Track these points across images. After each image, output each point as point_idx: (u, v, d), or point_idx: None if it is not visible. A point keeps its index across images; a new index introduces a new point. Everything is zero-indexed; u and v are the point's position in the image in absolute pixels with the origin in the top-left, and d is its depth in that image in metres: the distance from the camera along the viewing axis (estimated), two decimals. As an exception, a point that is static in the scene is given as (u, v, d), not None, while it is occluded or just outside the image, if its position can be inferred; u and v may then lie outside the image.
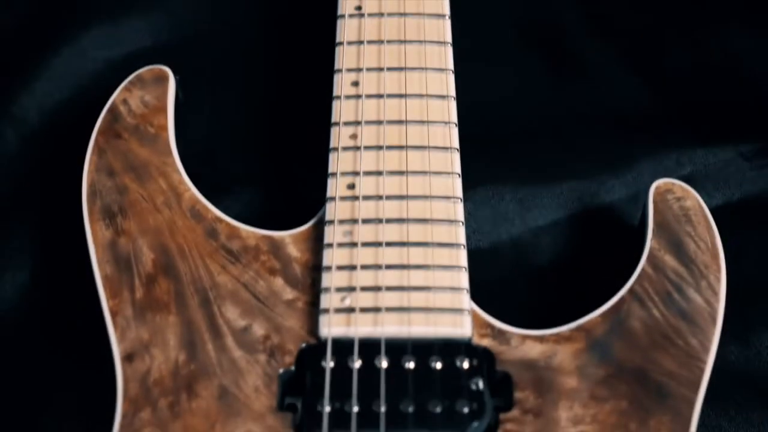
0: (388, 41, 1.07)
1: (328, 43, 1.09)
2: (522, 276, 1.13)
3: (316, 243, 0.99)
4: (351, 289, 0.95)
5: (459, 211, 0.99)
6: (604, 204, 1.17)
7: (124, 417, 0.90)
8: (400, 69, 1.07)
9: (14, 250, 1.13)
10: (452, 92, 1.06)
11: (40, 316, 1.09)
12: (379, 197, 0.99)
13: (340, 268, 0.96)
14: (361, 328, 0.93)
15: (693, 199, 1.01)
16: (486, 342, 0.94)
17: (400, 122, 1.04)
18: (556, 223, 1.16)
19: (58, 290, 1.10)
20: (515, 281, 1.12)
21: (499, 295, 1.06)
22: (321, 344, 0.93)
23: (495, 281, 1.11)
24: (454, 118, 1.04)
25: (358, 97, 1.05)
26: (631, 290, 0.97)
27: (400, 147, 1.02)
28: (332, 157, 1.02)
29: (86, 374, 1.04)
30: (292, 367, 0.93)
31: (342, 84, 1.06)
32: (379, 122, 1.04)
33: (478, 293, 0.97)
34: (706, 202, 1.01)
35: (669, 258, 0.98)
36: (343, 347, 0.92)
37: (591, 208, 1.17)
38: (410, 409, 0.89)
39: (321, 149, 1.04)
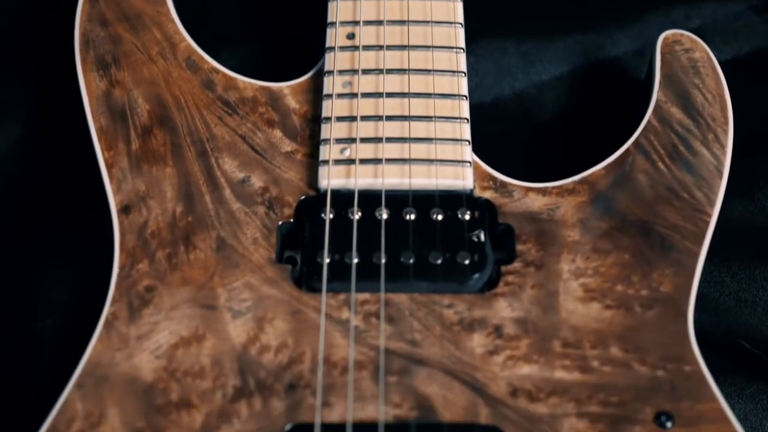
0: None
1: None
2: (525, 131, 1.11)
3: (315, 94, 0.97)
4: (351, 140, 0.93)
5: (461, 61, 0.97)
6: (609, 57, 1.14)
7: (121, 269, 0.89)
8: None
9: (6, 103, 1.11)
10: (455, -60, 1.02)
11: (34, 170, 1.07)
12: (380, 47, 0.97)
13: (339, 119, 0.94)
14: (361, 179, 0.92)
15: (701, 50, 0.99)
16: (488, 194, 0.93)
17: (401, -30, 1.01)
18: (560, 77, 1.13)
19: (53, 143, 1.08)
20: (518, 136, 1.10)
21: (502, 149, 1.05)
22: (320, 196, 0.92)
23: (498, 136, 1.09)
24: (457, -34, 1.01)
25: (357, -56, 1.02)
26: (636, 143, 0.95)
27: (402, -5, 1.00)
28: (331, 6, 1.00)
29: (82, 228, 1.02)
30: (291, 219, 0.92)
31: (341, -70, 1.03)
32: (379, -30, 1.01)
33: (480, 148, 0.95)
34: (715, 56, 0.99)
35: (675, 110, 0.96)
36: (342, 199, 0.91)
37: (596, 61, 1.14)
38: (411, 261, 0.88)
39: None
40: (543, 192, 0.93)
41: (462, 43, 0.97)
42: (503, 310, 0.87)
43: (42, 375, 0.95)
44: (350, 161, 0.92)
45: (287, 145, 0.95)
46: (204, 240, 0.90)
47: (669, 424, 0.82)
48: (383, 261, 0.88)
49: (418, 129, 0.93)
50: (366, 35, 0.97)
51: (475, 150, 0.95)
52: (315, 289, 0.88)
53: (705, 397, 0.83)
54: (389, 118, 0.94)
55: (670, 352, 0.85)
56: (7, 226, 1.04)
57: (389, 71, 0.96)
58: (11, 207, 1.06)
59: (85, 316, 0.90)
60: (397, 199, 0.91)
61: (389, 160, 0.92)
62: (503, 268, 0.89)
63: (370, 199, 0.91)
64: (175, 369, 0.84)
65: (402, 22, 0.98)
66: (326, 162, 0.92)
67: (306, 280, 0.88)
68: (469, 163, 0.92)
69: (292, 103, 0.97)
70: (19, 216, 1.05)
